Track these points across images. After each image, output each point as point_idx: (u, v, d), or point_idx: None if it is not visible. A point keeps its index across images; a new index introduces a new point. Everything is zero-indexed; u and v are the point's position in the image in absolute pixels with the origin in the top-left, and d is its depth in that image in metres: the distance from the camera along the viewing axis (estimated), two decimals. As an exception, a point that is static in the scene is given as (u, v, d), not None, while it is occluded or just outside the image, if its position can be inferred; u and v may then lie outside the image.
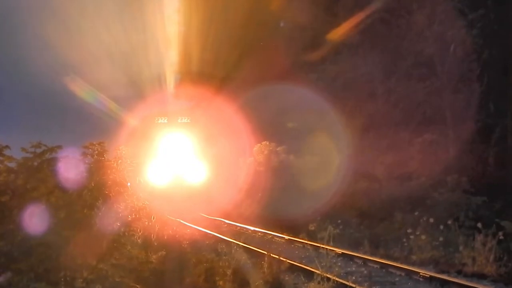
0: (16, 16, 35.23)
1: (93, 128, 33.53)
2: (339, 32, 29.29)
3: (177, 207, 26.39)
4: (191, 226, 23.56)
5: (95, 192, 11.92)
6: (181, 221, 22.25)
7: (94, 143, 12.90)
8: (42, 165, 11.05)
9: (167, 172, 32.43)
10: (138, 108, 33.91)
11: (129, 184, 14.11)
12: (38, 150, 11.02)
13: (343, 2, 29.74)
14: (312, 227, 15.39)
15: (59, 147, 11.19)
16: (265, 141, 30.54)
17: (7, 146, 10.74)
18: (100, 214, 11.64)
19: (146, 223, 13.44)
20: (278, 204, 25.28)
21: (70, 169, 11.96)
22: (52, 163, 11.26)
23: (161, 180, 31.56)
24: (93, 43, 35.49)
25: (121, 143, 26.13)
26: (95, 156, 12.81)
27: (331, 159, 26.89)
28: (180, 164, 33.23)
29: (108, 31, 35.03)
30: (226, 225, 26.88)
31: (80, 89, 35.15)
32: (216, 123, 32.55)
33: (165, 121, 34.34)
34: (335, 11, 30.08)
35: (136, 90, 35.25)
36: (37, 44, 34.17)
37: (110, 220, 11.73)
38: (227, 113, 31.67)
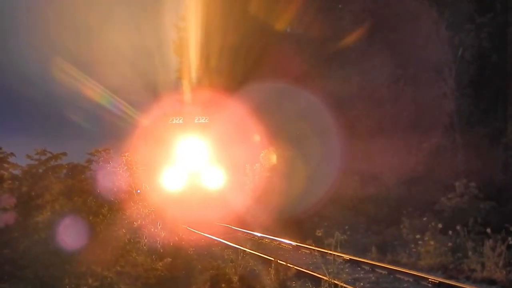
0: (23, 18, 35.23)
1: (103, 130, 33.51)
2: (346, 37, 29.23)
3: (190, 213, 26.08)
4: (198, 233, 23.48)
5: (100, 199, 11.93)
6: (188, 228, 22.12)
7: (100, 149, 12.93)
8: (47, 172, 11.06)
9: (182, 176, 31.57)
10: (151, 108, 33.26)
11: (138, 191, 14.09)
12: (43, 157, 11.04)
13: (350, 7, 29.68)
14: (319, 233, 15.28)
15: (64, 153, 11.21)
16: (273, 147, 30.40)
17: (11, 153, 10.76)
18: (105, 221, 11.63)
19: (152, 229, 13.39)
20: (286, 210, 25.18)
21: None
22: (57, 170, 11.27)
23: (176, 184, 30.86)
24: (105, 44, 35.35)
25: (132, 145, 26.12)
26: (101, 163, 12.85)
27: (339, 164, 26.79)
28: (196, 167, 32.29)
29: (122, 32, 34.94)
30: (233, 231, 26.81)
31: (92, 90, 35.08)
32: (230, 127, 32.00)
33: (180, 121, 33.19)
34: (342, 16, 30.01)
35: (150, 91, 34.93)
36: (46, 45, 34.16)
37: (115, 226, 11.72)
38: (240, 117, 31.37)
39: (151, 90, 34.76)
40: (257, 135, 31.77)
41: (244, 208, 28.04)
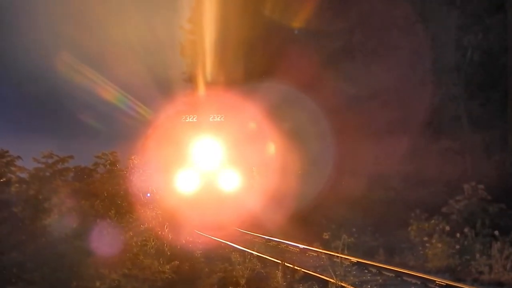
0: (33, 14, 35.14)
1: (114, 130, 33.34)
2: (354, 39, 29.24)
3: (204, 215, 25.81)
4: (206, 236, 23.42)
5: (107, 202, 11.98)
6: (198, 231, 22.04)
7: (107, 152, 13.00)
8: (54, 176, 11.11)
9: (195, 177, 30.67)
10: (164, 106, 32.45)
11: (148, 194, 14.12)
12: (50, 160, 11.09)
13: (359, 8, 29.65)
14: (326, 236, 15.30)
15: (71, 156, 11.26)
16: (285, 147, 30.21)
17: (18, 157, 10.82)
18: (112, 224, 11.67)
19: (159, 232, 13.42)
20: (297, 211, 25.18)
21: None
22: (64, 173, 11.33)
23: (189, 186, 30.06)
24: (117, 42, 35.14)
25: (144, 144, 26.01)
26: (107, 166, 12.90)
27: (347, 166, 26.78)
28: (210, 168, 31.46)
29: (134, 29, 34.79)
30: (242, 234, 26.81)
31: (103, 88, 34.93)
32: (244, 127, 31.38)
33: (194, 119, 31.73)
34: (350, 17, 29.97)
35: (163, 89, 34.51)
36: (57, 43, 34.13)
37: (122, 230, 11.76)
38: (254, 117, 31.03)
39: (164, 88, 34.43)
40: (271, 136, 31.47)
41: (258, 209, 27.75)
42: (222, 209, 28.72)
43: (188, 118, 31.39)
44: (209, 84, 34.07)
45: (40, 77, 32.87)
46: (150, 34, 35.03)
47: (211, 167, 31.01)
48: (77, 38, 34.18)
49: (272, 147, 31.50)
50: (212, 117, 31.43)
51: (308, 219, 24.74)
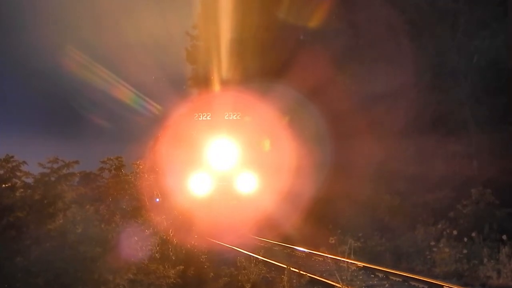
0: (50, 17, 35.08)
1: (125, 130, 33.13)
2: (361, 44, 29.24)
3: (217, 219, 25.55)
4: (213, 240, 23.35)
5: (112, 207, 11.99)
6: (207, 236, 21.92)
7: (112, 157, 13.02)
8: (59, 181, 11.12)
9: (209, 179, 29.91)
10: (177, 104, 31.81)
11: (157, 199, 14.10)
12: (55, 165, 11.11)
13: (365, 14, 29.64)
14: (332, 241, 15.25)
15: (76, 161, 11.28)
16: (299, 148, 29.98)
17: (24, 162, 10.84)
18: (117, 228, 11.67)
19: (165, 237, 13.41)
20: (305, 215, 25.14)
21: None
22: (69, 178, 11.34)
23: (202, 188, 29.32)
24: (130, 39, 34.98)
25: (155, 145, 25.88)
26: (113, 171, 12.91)
27: (353, 170, 26.72)
28: (224, 169, 30.60)
29: (148, 25, 34.67)
30: (248, 238, 26.72)
31: (114, 86, 34.78)
32: (260, 126, 30.80)
33: (208, 118, 30.05)
34: (356, 23, 29.97)
35: (175, 86, 34.25)
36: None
37: (127, 234, 11.75)
38: (268, 117, 30.68)
39: (177, 86, 34.19)
40: (284, 136, 31.16)
41: (270, 212, 27.43)
42: (236, 212, 28.27)
43: (201, 116, 30.59)
44: (223, 82, 33.64)
45: (50, 76, 32.91)
46: (163, 32, 34.88)
47: (224, 168, 30.27)
48: (89, 37, 34.23)
49: (285, 148, 31.22)
50: (227, 115, 30.53)
51: (316, 222, 24.67)
